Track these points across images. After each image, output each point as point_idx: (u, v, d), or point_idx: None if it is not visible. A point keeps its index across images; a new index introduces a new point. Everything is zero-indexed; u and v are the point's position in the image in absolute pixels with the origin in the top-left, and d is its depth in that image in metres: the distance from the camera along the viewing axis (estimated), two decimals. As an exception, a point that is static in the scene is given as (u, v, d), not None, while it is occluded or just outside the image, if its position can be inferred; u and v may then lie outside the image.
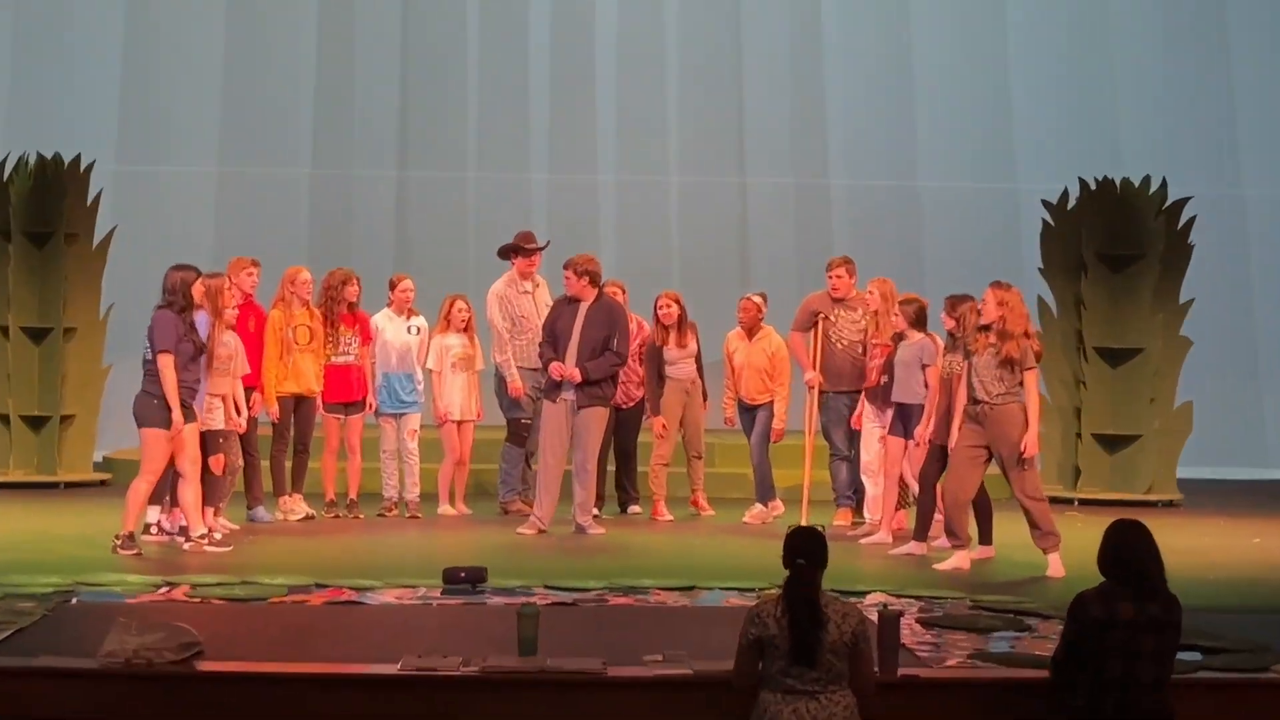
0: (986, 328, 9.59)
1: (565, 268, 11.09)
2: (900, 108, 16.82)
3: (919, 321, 10.58)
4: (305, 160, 16.51)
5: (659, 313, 12.00)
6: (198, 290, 9.73)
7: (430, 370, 11.84)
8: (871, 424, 11.03)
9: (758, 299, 12.02)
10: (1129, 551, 5.74)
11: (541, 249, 12.09)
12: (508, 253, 12.11)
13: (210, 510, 10.24)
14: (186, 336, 9.60)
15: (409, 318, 11.95)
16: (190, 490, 9.73)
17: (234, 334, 10.55)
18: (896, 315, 10.73)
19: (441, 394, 11.84)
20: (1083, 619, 5.74)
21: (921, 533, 10.25)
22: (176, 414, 9.51)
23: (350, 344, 11.68)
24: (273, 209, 16.26)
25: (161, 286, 9.75)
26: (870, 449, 11.07)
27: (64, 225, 13.69)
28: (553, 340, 10.97)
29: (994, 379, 9.51)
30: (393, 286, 12.01)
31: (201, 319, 9.94)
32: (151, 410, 9.56)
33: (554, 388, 10.94)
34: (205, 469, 10.06)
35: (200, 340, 9.74)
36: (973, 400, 9.58)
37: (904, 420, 10.58)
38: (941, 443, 10.05)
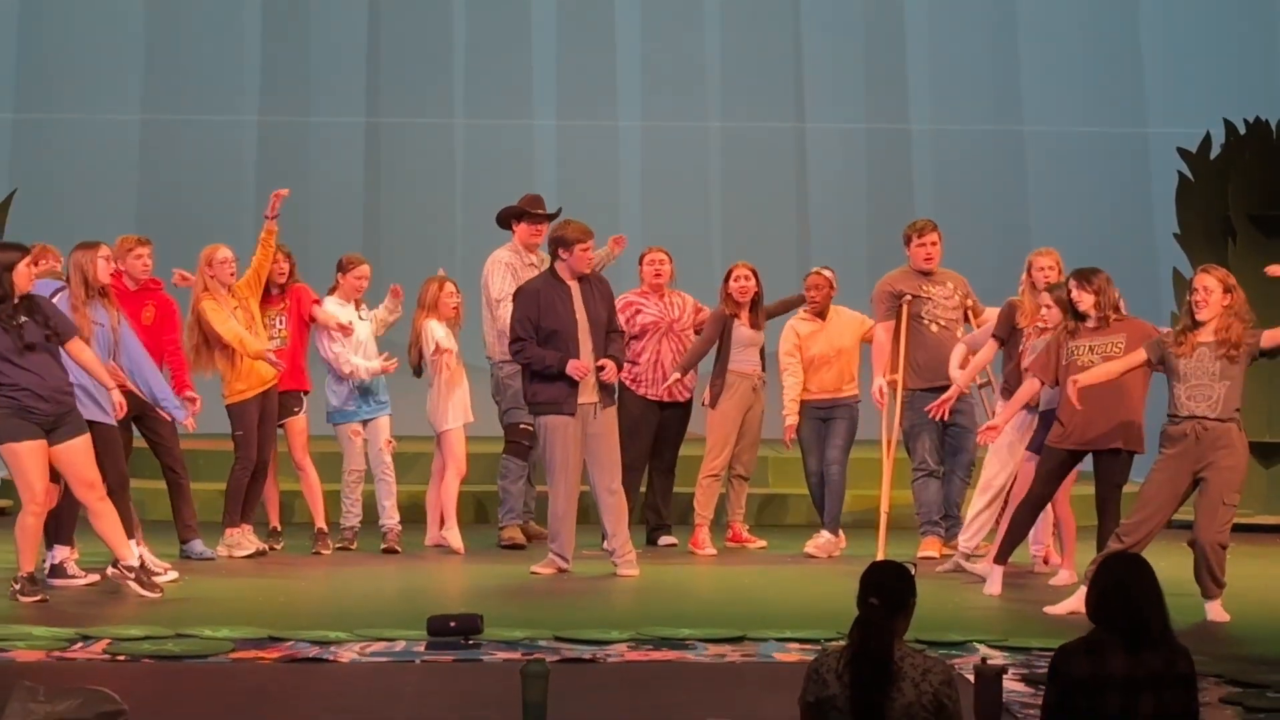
0: (1197, 324, 9.44)
1: (563, 244, 10.85)
2: (1000, 36, 16.79)
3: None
4: (251, 104, 16.55)
5: (733, 286, 12.02)
6: (22, 275, 9.59)
7: (433, 358, 11.77)
8: (1011, 434, 10.66)
9: (829, 274, 12.05)
10: (1122, 593, 5.68)
11: (552, 217, 12.11)
12: (509, 219, 12.19)
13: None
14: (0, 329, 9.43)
15: (358, 308, 12.00)
16: (103, 520, 9.69)
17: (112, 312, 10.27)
18: (1050, 308, 10.50)
19: (442, 398, 11.83)
20: (1066, 678, 5.69)
21: (1002, 554, 10.31)
22: None
23: (276, 326, 11.69)
24: (211, 164, 16.32)
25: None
26: (994, 464, 10.82)
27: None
28: (548, 337, 10.79)
29: (1212, 380, 9.37)
30: (344, 270, 12.01)
31: (61, 297, 9.92)
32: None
33: (565, 397, 10.84)
34: (119, 486, 10.07)
35: (25, 330, 9.40)
36: (1176, 417, 9.44)
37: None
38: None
